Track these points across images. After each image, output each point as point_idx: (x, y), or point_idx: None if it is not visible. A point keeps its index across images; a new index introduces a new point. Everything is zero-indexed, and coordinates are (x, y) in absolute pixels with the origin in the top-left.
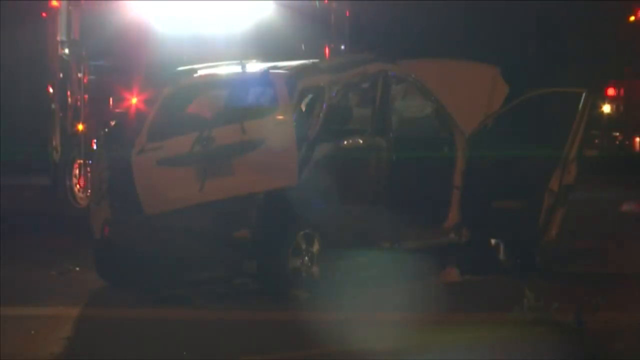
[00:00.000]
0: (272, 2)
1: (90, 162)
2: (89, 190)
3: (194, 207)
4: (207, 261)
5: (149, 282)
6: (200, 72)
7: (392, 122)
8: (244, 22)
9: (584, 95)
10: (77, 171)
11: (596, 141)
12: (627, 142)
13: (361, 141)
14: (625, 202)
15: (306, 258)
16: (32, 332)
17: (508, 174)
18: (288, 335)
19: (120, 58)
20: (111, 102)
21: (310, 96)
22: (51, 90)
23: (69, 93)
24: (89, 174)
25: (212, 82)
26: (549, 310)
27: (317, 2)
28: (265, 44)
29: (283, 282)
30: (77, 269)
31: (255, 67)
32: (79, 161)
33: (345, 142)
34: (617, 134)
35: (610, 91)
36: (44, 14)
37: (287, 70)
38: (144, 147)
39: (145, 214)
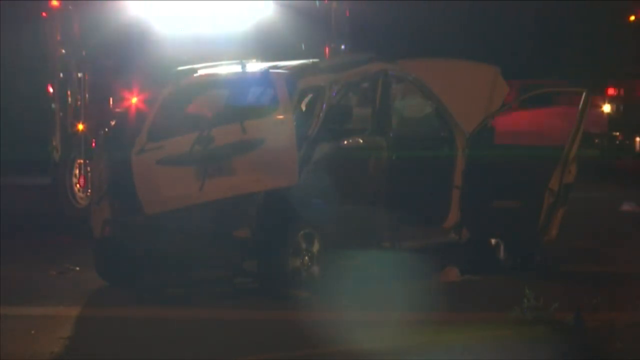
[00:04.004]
0: (272, 2)
1: (90, 162)
2: (89, 190)
3: (194, 207)
4: (207, 261)
5: (149, 282)
6: (200, 72)
7: (392, 122)
8: (244, 22)
9: (584, 95)
10: (77, 171)
11: (596, 141)
12: (627, 142)
13: (361, 141)
14: (625, 202)
15: (306, 258)
16: (32, 332)
17: (508, 174)
18: (288, 335)
19: (120, 58)
20: (111, 102)
21: (310, 96)
22: (51, 90)
23: (69, 93)
24: (89, 174)
25: (212, 82)
26: (549, 310)
27: (317, 2)
28: (266, 44)
29: (283, 282)
30: (77, 269)
31: (255, 67)
32: (79, 161)
33: (345, 142)
34: (617, 134)
35: (610, 91)
36: (44, 14)
37: (287, 70)
38: (144, 147)
39: (145, 214)
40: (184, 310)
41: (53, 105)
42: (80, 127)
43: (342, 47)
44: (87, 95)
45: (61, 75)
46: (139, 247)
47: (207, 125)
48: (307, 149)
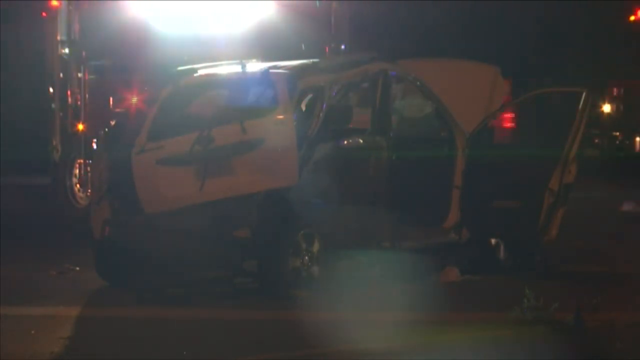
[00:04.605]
0: (272, 2)
1: (90, 162)
2: (89, 190)
3: (194, 207)
4: (207, 261)
5: (149, 282)
6: (200, 72)
7: (392, 122)
8: (244, 22)
9: (584, 95)
10: (77, 171)
11: (596, 141)
12: (627, 142)
13: (361, 141)
14: (625, 202)
15: (306, 258)
16: (32, 332)
17: (508, 174)
18: (288, 335)
19: (120, 58)
20: (111, 102)
21: (310, 96)
22: (51, 90)
23: (69, 93)
24: (89, 174)
25: (212, 82)
26: (549, 310)
27: (317, 2)
28: (266, 44)
29: (283, 282)
30: (77, 269)
31: (255, 67)
32: (79, 161)
33: (345, 142)
34: (617, 133)
35: (610, 91)
36: (44, 14)
37: (287, 70)
38: (144, 147)
39: (145, 214)
40: (184, 310)
41: (53, 105)
42: (80, 127)
43: (342, 47)
44: (87, 95)
45: (61, 75)
46: (139, 247)
47: (207, 125)
48: (307, 149)
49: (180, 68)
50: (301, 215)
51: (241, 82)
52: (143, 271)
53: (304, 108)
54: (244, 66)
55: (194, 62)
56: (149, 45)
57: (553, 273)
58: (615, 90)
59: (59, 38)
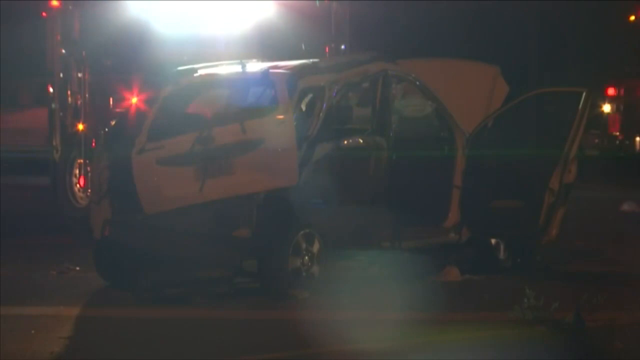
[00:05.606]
0: (272, 2)
1: (90, 162)
2: (89, 190)
3: (194, 207)
4: (207, 261)
5: (149, 282)
6: (200, 72)
7: (392, 122)
8: (244, 22)
9: (584, 95)
10: (77, 171)
11: (596, 141)
12: (627, 142)
13: (361, 141)
14: (625, 202)
15: (306, 258)
16: (32, 332)
17: (508, 174)
18: (288, 335)
19: (120, 58)
20: (111, 102)
21: (310, 96)
22: (51, 90)
23: (69, 93)
24: (89, 174)
25: (212, 82)
26: (549, 310)
27: (317, 2)
28: (265, 44)
29: (283, 282)
30: (77, 269)
31: (255, 67)
32: (79, 161)
33: (345, 142)
34: (617, 133)
35: (610, 91)
36: (44, 14)
37: (287, 70)
38: (144, 146)
39: (145, 214)
40: (184, 310)
41: (53, 105)
42: (80, 127)
43: (342, 47)
44: (87, 95)
45: (61, 75)
46: (139, 247)
47: (207, 125)
48: (307, 149)
49: (180, 68)
50: (301, 215)
51: (241, 82)
52: (143, 271)
53: (304, 108)
54: (244, 66)
55: (194, 62)
56: (149, 45)
57: (553, 273)
58: (615, 90)
59: (59, 38)
